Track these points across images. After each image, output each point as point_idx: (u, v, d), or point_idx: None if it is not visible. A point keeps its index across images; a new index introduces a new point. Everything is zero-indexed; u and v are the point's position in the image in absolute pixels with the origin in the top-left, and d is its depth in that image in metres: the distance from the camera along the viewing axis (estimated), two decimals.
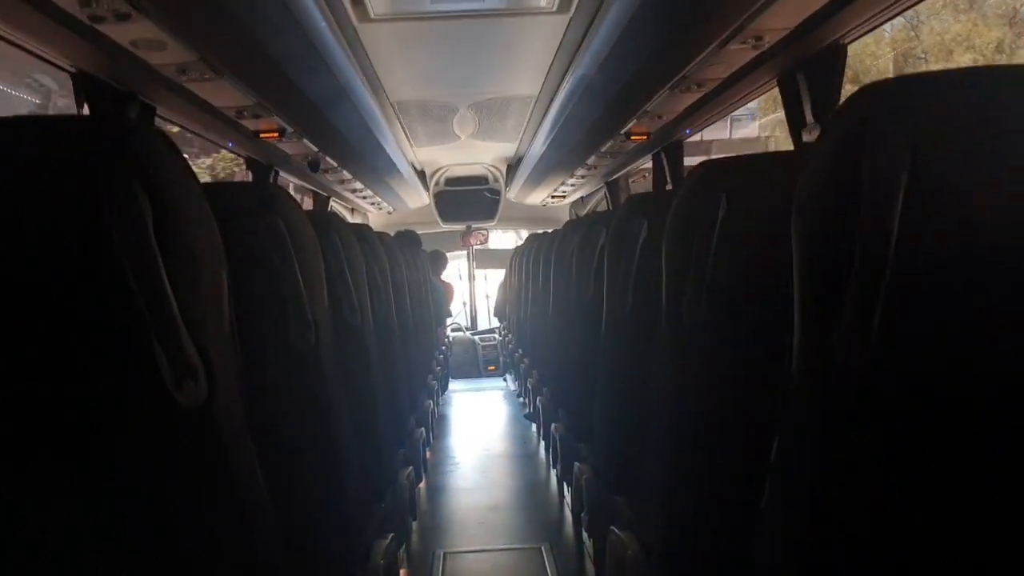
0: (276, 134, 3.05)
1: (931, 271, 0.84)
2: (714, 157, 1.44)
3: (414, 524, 3.39)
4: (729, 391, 1.35)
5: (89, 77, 2.08)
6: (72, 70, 2.06)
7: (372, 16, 2.60)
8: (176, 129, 2.89)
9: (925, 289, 0.84)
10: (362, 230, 2.77)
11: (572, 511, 3.33)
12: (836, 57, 2.19)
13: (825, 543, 0.93)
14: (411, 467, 2.81)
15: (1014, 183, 0.83)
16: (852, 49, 2.17)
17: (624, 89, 2.98)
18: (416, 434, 3.38)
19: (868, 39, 11.07)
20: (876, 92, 0.89)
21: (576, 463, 2.73)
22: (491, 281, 9.39)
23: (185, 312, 0.88)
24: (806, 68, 2.29)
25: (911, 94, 0.87)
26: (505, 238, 8.90)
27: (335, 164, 4.12)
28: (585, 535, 3.03)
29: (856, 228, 0.84)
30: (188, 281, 0.89)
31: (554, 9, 2.62)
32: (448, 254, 8.16)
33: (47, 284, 0.85)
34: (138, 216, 0.84)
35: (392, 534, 1.93)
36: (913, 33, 15.39)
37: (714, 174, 1.42)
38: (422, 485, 4.03)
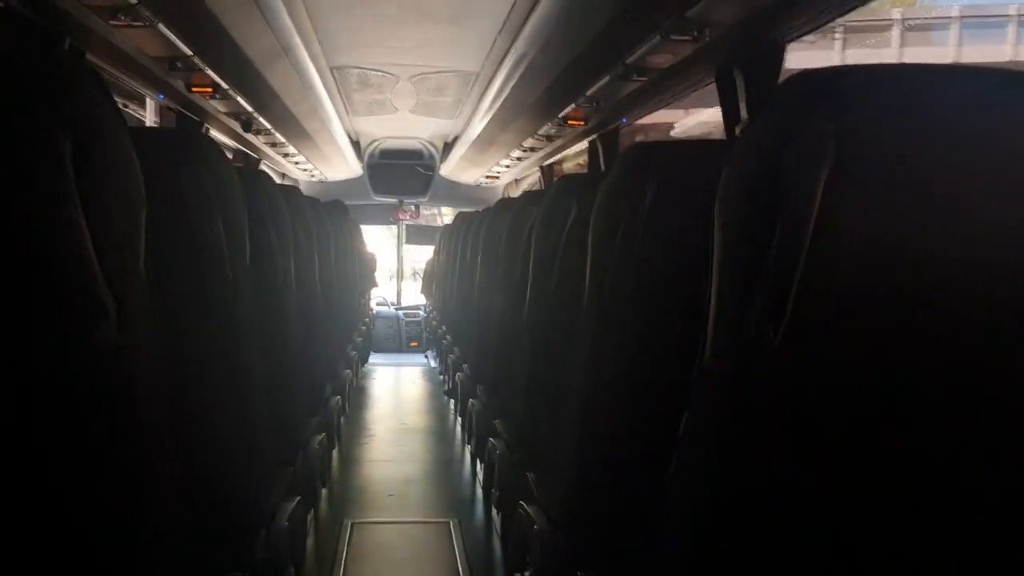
0: (209, 89, 2.98)
1: (847, 261, 0.87)
2: (644, 141, 1.46)
3: (324, 492, 3.37)
4: (642, 370, 1.38)
5: (13, 12, 1.99)
6: None
7: None
8: None
9: (839, 279, 0.87)
10: (290, 191, 2.73)
11: (483, 487, 3.36)
12: (773, 55, 2.23)
13: (724, 523, 0.96)
14: (324, 434, 2.80)
15: (935, 177, 0.86)
16: None
17: (564, 72, 2.99)
18: (332, 402, 3.35)
19: None
20: (804, 83, 0.91)
21: (490, 439, 2.76)
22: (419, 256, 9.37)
23: (99, 251, 0.85)
24: (743, 65, 2.33)
25: (838, 86, 0.89)
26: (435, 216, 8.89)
27: (268, 125, 4.05)
28: (495, 511, 3.06)
29: (775, 216, 0.86)
30: (104, 219, 0.87)
31: None
32: (378, 228, 8.10)
33: None
34: (55, 147, 0.81)
35: (299, 498, 1.92)
36: None
37: (644, 158, 1.44)
38: (335, 455, 4.01)
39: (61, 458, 0.89)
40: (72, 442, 0.90)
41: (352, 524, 3.15)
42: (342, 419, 4.07)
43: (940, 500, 0.90)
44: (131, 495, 0.97)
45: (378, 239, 9.31)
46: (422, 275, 9.08)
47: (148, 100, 4.54)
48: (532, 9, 2.68)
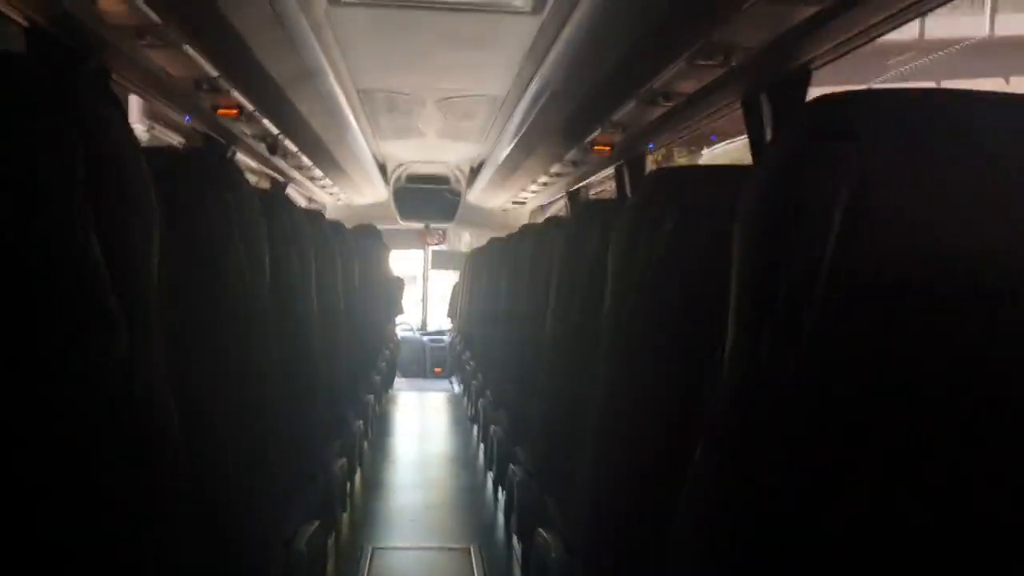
0: (235, 111, 3.00)
1: (868, 285, 0.85)
2: (666, 167, 1.44)
3: (345, 517, 3.36)
4: (660, 397, 1.35)
5: (42, 33, 2.02)
6: (25, 24, 2.00)
7: (343, 0, 2.57)
8: None
9: (859, 303, 0.85)
10: (314, 215, 2.74)
11: (505, 513, 3.33)
12: (800, 82, 2.21)
13: (742, 549, 0.94)
14: (344, 458, 2.78)
15: (957, 202, 0.84)
16: None
17: (589, 98, 2.99)
18: (354, 427, 3.35)
19: None
20: (824, 107, 0.90)
21: (511, 465, 2.73)
22: (446, 282, 9.37)
23: (111, 268, 0.85)
24: (770, 91, 2.31)
25: (859, 110, 0.88)
26: (463, 240, 8.90)
27: (294, 149, 4.07)
28: (516, 538, 3.03)
29: (793, 239, 0.85)
30: (115, 236, 0.87)
31: (528, 10, 2.62)
32: (404, 252, 8.14)
33: None
34: (68, 162, 0.81)
35: (318, 522, 1.90)
36: None
37: (666, 184, 1.43)
38: (358, 479, 4.00)
39: (69, 472, 0.89)
40: (81, 459, 0.89)
41: (373, 549, 3.13)
42: (364, 444, 4.06)
43: (968, 503, 0.88)
44: (140, 513, 0.96)
45: (412, 264, 9.29)
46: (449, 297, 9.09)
47: (131, 99, 4.54)
48: (558, 34, 2.68)
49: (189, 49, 2.22)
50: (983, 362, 0.86)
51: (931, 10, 1.73)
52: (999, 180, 0.86)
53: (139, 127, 4.87)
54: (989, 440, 0.87)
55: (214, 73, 2.48)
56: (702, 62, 2.18)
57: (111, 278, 0.85)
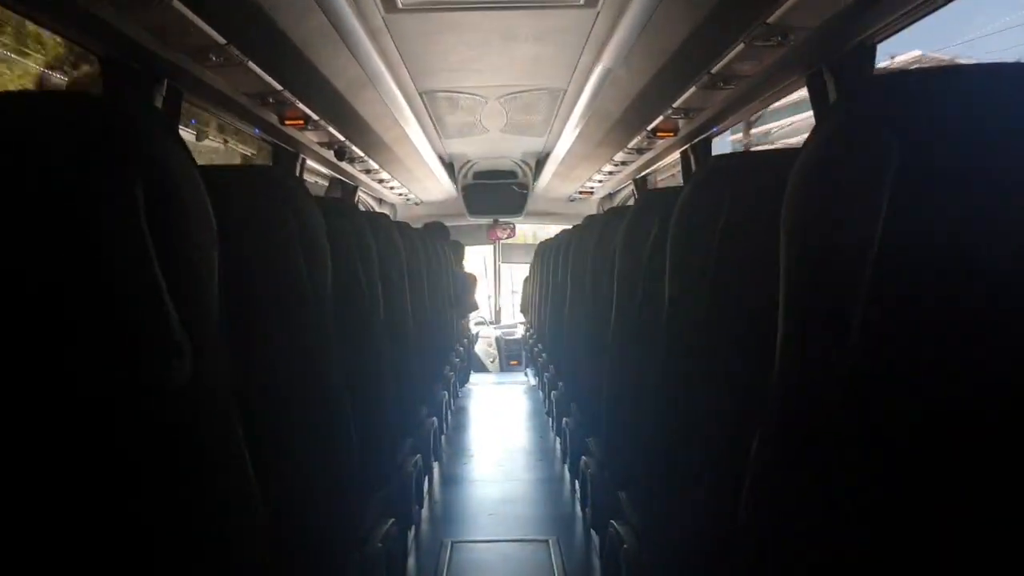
0: (301, 121, 3.08)
1: (915, 272, 0.82)
2: (723, 153, 1.42)
3: (423, 513, 3.40)
4: (723, 388, 1.34)
5: (116, 62, 2.10)
6: (100, 54, 2.08)
7: (400, 6, 2.60)
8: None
9: (909, 291, 0.83)
10: (379, 219, 2.78)
11: (581, 505, 3.34)
12: (864, 56, 2.16)
13: (801, 542, 0.92)
14: (418, 455, 2.82)
15: (1004, 183, 0.81)
16: None
17: (651, 85, 2.97)
18: (427, 423, 3.39)
19: None
20: (868, 90, 0.88)
21: (583, 457, 2.73)
22: (517, 275, 9.40)
23: (173, 292, 0.88)
24: (833, 66, 2.26)
25: (903, 92, 0.85)
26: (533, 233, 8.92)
27: (361, 153, 4.14)
28: (593, 530, 3.03)
29: (840, 227, 0.83)
30: (177, 261, 0.89)
31: (582, 3, 2.61)
32: (474, 247, 8.19)
33: (32, 258, 0.85)
34: (129, 192, 0.84)
35: (392, 519, 1.94)
36: None
37: (721, 171, 1.41)
38: (436, 475, 4.05)
39: (131, 494, 0.92)
40: (144, 477, 0.92)
41: (452, 543, 3.17)
42: (441, 439, 4.11)
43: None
44: (215, 527, 0.99)
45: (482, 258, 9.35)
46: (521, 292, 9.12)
47: None
48: (616, 23, 2.67)
49: (253, 65, 2.29)
50: None
51: None
52: None
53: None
54: None
55: (278, 86, 2.55)
56: (761, 43, 2.15)
57: (174, 302, 0.88)
